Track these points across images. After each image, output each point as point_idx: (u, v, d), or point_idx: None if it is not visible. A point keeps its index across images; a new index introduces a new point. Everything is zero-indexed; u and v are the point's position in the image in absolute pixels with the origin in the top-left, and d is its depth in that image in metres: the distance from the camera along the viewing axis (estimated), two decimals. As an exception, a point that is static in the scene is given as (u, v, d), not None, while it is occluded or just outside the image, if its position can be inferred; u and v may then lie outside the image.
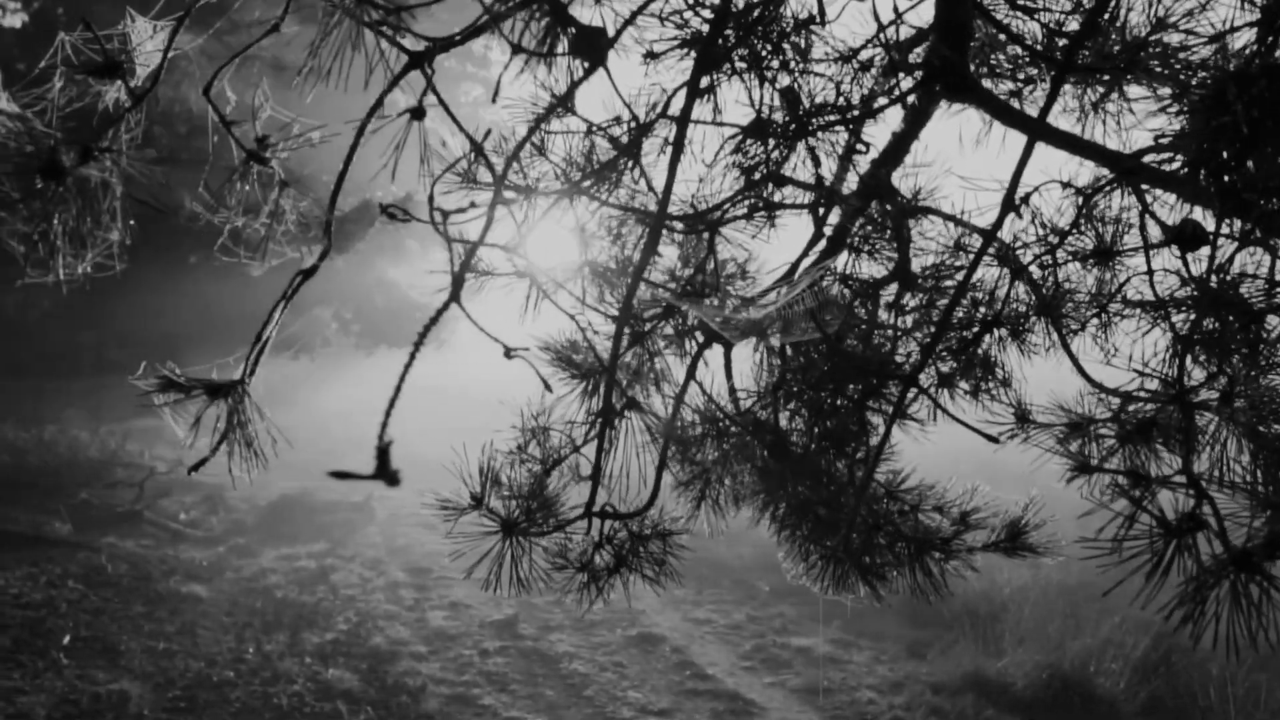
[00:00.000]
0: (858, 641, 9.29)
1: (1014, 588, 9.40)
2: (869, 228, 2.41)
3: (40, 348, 13.02)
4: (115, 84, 1.31)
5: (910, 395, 2.21)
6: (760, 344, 2.27)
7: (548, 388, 1.72)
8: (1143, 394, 2.01)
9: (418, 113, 1.42)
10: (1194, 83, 1.41)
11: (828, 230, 2.17)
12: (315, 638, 8.42)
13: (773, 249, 2.51)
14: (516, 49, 1.41)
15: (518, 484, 2.20)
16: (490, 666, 8.21)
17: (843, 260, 2.39)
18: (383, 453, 0.77)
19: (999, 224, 1.43)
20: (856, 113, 1.81)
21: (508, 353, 1.51)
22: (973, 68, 1.90)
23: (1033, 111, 2.07)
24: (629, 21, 1.50)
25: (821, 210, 2.07)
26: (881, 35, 1.75)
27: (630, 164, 1.86)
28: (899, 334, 2.25)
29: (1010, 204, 1.42)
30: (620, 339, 1.62)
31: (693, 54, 1.70)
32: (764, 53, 1.72)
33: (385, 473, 0.76)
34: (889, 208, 2.06)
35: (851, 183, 2.02)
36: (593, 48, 1.45)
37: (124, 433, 15.20)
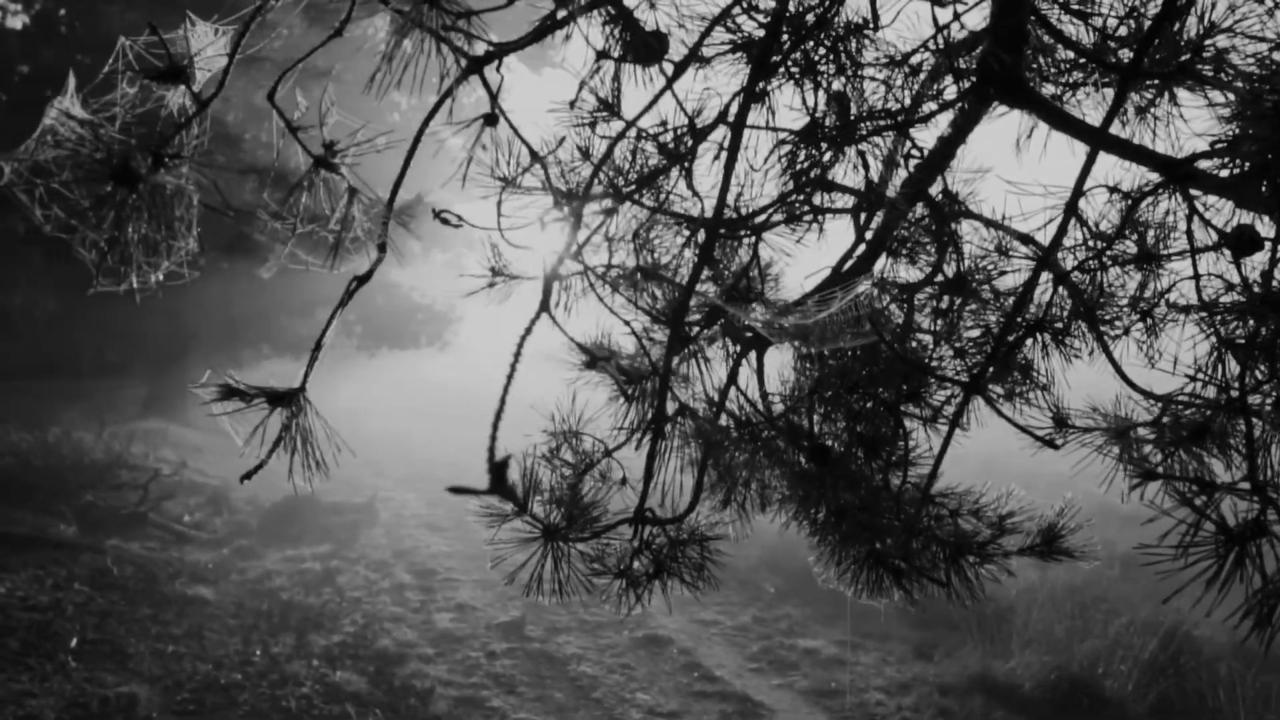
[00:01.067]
0: (864, 643, 9.29)
1: (1021, 589, 9.39)
2: (905, 233, 2.41)
3: (43, 349, 12.98)
4: (179, 89, 1.29)
5: (952, 400, 2.21)
6: (800, 347, 2.26)
7: (626, 398, 1.71)
8: (1186, 398, 2.00)
9: (490, 119, 1.42)
10: (1265, 88, 1.40)
11: (868, 235, 2.16)
12: (322, 640, 8.40)
13: (796, 252, 2.50)
14: (602, 55, 1.40)
15: (556, 489, 2.19)
16: (498, 668, 8.20)
17: (880, 264, 2.39)
18: (499, 468, 0.76)
19: (1062, 233, 1.43)
20: (905, 117, 1.81)
21: (592, 362, 1.50)
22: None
23: (1076, 114, 2.07)
24: (700, 41, 1.49)
25: (863, 215, 2.06)
26: (938, 39, 1.75)
27: (682, 171, 1.85)
28: (940, 339, 2.24)
29: (1073, 211, 1.41)
30: (674, 343, 1.61)
31: (745, 59, 1.70)
32: (817, 58, 1.72)
33: (502, 488, 0.76)
34: (934, 212, 2.05)
35: (895, 187, 2.01)
36: (655, 51, 1.44)
37: (128, 435, 15.17)
